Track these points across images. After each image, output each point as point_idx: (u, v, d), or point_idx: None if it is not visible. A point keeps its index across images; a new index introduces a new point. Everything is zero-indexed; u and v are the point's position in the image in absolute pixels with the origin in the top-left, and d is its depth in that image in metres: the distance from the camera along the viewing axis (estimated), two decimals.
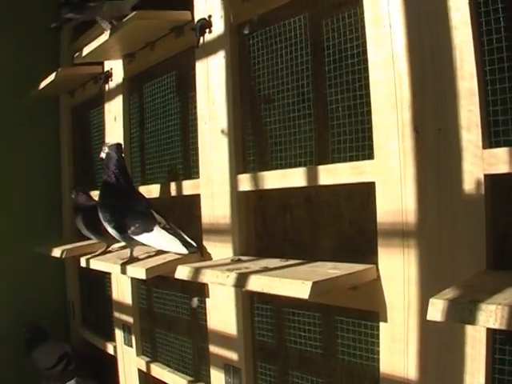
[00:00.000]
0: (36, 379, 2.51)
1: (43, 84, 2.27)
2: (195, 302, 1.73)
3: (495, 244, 0.98)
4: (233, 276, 1.18)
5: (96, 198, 1.91)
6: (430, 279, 1.05)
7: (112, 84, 2.11)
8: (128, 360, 2.11)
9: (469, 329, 0.98)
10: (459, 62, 0.98)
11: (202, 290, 1.65)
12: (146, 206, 1.67)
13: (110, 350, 2.25)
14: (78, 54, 1.96)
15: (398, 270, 1.10)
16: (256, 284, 1.12)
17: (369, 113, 1.16)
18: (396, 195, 1.09)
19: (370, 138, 1.15)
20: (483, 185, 0.96)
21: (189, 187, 1.67)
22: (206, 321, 1.65)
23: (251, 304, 1.51)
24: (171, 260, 1.57)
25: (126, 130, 2.03)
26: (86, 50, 1.88)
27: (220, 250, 1.53)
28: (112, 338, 2.25)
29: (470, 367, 0.99)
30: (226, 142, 1.51)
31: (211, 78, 1.57)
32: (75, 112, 2.61)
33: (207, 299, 1.62)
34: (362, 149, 1.19)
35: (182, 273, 1.35)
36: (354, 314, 1.24)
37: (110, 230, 1.69)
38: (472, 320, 0.78)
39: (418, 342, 1.08)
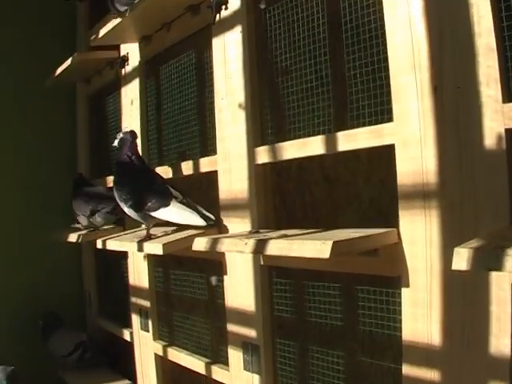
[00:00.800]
0: (53, 368, 2.55)
1: (59, 70, 2.32)
2: (213, 280, 1.75)
3: None
4: (251, 242, 1.20)
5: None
6: (452, 239, 1.05)
7: (128, 68, 2.15)
8: (144, 345, 2.13)
9: (494, 288, 0.99)
10: (476, 19, 0.99)
11: (219, 268, 1.67)
12: (161, 182, 1.70)
13: (126, 336, 2.28)
14: (94, 36, 2.00)
15: (419, 232, 1.10)
16: (275, 248, 1.14)
17: (387, 77, 1.17)
18: (416, 156, 1.10)
19: (389, 102, 1.17)
20: (504, 139, 0.97)
21: (206, 164, 1.69)
22: (223, 299, 1.66)
23: (270, 279, 1.52)
24: (188, 236, 1.59)
25: (143, 112, 2.07)
26: (103, 32, 1.91)
27: (238, 225, 1.55)
28: (128, 325, 2.27)
29: (495, 328, 0.99)
30: (243, 115, 1.53)
31: (228, 53, 1.59)
32: (91, 100, 2.66)
33: (225, 277, 1.63)
34: (381, 113, 1.20)
35: (200, 244, 1.37)
36: (374, 282, 1.25)
37: (127, 210, 1.72)
38: (499, 266, 0.77)
39: (442, 306, 1.08)
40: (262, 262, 1.50)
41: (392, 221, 1.17)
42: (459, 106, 1.03)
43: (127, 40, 2.06)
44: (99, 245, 1.90)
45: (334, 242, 1.01)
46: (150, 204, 1.62)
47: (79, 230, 2.32)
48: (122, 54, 2.18)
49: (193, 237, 1.54)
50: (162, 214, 1.61)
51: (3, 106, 2.59)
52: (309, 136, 1.37)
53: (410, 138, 1.11)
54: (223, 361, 1.73)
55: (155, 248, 1.57)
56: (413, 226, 1.11)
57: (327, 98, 1.35)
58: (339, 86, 1.33)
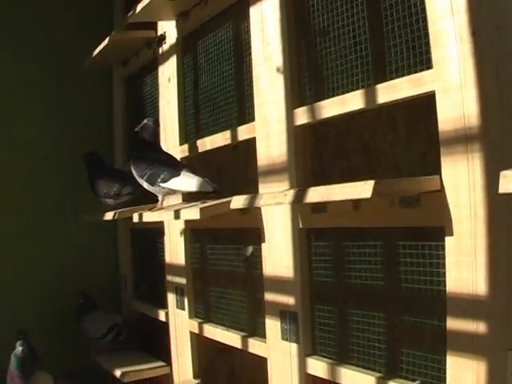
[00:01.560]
0: (86, 350, 2.62)
1: (97, 50, 2.41)
2: (250, 250, 1.78)
3: None
4: (290, 193, 1.23)
5: None
6: (495, 183, 1.07)
7: (166, 46, 2.22)
8: (180, 324, 2.17)
9: None
10: None
11: (256, 238, 1.70)
12: (173, 158, 1.95)
13: (161, 316, 2.33)
14: (131, 12, 2.08)
15: (462, 178, 1.12)
16: (315, 195, 1.17)
17: (425, 27, 1.20)
18: (457, 101, 1.12)
19: (428, 51, 1.19)
20: None
21: (244, 132, 1.74)
22: (260, 270, 1.70)
23: (308, 243, 1.55)
24: (223, 202, 1.63)
25: (180, 89, 2.13)
26: (140, 7, 1.99)
27: (276, 189, 1.58)
28: (164, 306, 2.33)
29: None
30: (281, 79, 1.57)
31: (265, 20, 1.64)
32: (128, 83, 2.75)
33: (263, 244, 1.67)
34: (420, 63, 1.23)
35: (238, 202, 1.41)
36: (417, 236, 1.26)
37: (144, 184, 1.91)
38: None
39: (487, 252, 1.09)
40: (300, 225, 1.53)
41: None
42: (499, 48, 1.05)
43: (164, 17, 2.13)
44: (135, 218, 1.96)
45: (375, 182, 1.04)
46: (162, 176, 1.82)
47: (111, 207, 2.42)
48: (160, 33, 2.26)
49: (227, 203, 1.59)
50: (173, 183, 1.80)
51: (42, 89, 2.71)
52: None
53: (450, 83, 1.13)
54: (260, 333, 1.77)
55: (193, 213, 1.62)
56: (455, 172, 1.13)
57: (365, 55, 1.38)
58: (377, 41, 1.36)
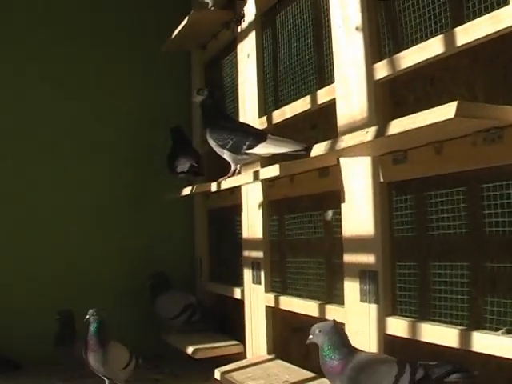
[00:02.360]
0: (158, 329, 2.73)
1: (176, 31, 2.56)
2: (330, 214, 1.84)
3: None
4: (373, 129, 1.29)
5: None
6: None
7: (244, 24, 2.34)
8: (255, 299, 2.25)
9: None
10: None
11: (336, 200, 1.76)
12: (251, 126, 2.00)
13: (236, 294, 2.42)
14: None
15: None
16: (397, 126, 1.22)
17: None
18: None
19: None
20: None
21: (324, 95, 1.82)
22: (340, 233, 1.75)
23: (389, 198, 1.59)
24: (302, 160, 1.71)
25: (259, 63, 2.24)
26: None
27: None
28: (239, 284, 2.42)
29: None
30: (360, 37, 1.64)
31: None
32: (207, 67, 2.91)
33: (342, 205, 1.72)
34: (497, 3, 1.25)
35: (319, 149, 1.48)
36: (500, 177, 1.28)
37: (225, 153, 1.96)
38: None
39: None
40: (381, 179, 1.58)
41: None
42: None
43: None
44: (213, 188, 2.07)
45: (459, 102, 1.08)
46: (248, 143, 1.86)
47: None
48: (237, 12, 2.39)
49: (306, 161, 1.66)
50: (261, 148, 1.84)
51: (120, 75, 2.93)
52: None
53: None
54: (338, 300, 1.81)
55: (272, 171, 1.70)
56: None
57: (443, 3, 1.43)
58: None
